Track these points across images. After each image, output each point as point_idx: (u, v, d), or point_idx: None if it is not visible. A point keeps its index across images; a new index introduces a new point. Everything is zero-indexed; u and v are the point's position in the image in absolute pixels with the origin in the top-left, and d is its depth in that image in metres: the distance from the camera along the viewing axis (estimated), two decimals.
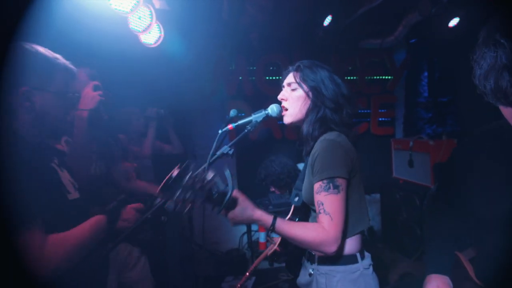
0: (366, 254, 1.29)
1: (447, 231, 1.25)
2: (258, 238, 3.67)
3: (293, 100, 1.30)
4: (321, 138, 1.22)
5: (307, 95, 1.28)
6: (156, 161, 2.73)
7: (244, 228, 3.75)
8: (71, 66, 1.18)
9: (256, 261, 1.71)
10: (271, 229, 1.11)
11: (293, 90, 1.31)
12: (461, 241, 1.28)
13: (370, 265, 1.27)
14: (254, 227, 3.58)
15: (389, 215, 3.78)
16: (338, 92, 1.25)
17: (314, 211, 1.27)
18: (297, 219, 1.31)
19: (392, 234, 3.72)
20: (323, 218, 1.12)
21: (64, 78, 1.15)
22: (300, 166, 2.50)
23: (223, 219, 1.13)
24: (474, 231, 1.18)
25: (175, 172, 0.96)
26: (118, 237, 1.11)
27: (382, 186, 3.96)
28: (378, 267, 3.30)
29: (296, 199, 1.30)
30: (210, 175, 1.01)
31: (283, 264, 1.50)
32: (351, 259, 1.22)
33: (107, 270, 1.38)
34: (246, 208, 1.10)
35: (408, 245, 3.39)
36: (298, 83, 1.29)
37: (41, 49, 1.12)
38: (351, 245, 1.22)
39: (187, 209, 0.95)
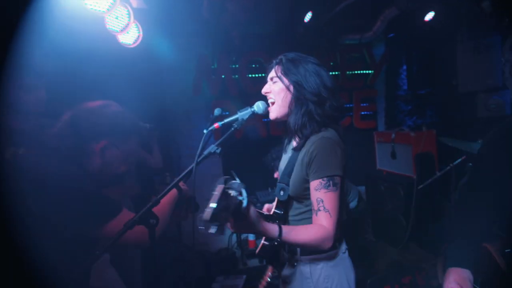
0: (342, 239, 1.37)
1: (475, 224, 1.26)
2: (247, 237, 3.68)
3: (276, 93, 1.31)
4: (319, 135, 1.23)
5: (288, 88, 1.28)
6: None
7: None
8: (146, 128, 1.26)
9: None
10: (278, 239, 1.12)
11: (274, 83, 1.32)
12: (492, 233, 1.30)
13: (346, 249, 1.36)
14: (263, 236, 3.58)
15: (374, 206, 3.87)
16: (321, 84, 1.25)
17: (299, 203, 1.31)
18: (281, 212, 1.34)
19: (378, 225, 3.81)
20: (322, 215, 1.17)
21: (135, 140, 1.29)
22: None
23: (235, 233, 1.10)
24: (507, 222, 1.20)
25: (218, 196, 0.86)
26: (105, 245, 1.08)
27: (366, 178, 4.04)
28: (366, 257, 3.37)
29: (282, 193, 1.31)
30: (239, 186, 0.96)
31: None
32: (331, 246, 1.26)
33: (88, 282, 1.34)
34: (256, 220, 1.07)
35: (394, 235, 3.48)
36: (279, 77, 1.30)
37: (128, 113, 1.31)
38: None
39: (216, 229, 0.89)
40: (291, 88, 1.28)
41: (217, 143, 1.16)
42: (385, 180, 3.68)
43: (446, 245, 2.34)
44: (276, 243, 1.20)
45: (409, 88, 4.37)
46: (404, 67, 4.42)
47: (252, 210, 1.07)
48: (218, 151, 1.14)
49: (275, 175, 2.70)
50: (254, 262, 3.46)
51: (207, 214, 0.83)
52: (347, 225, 1.35)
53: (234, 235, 3.73)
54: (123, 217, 1.18)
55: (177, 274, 3.10)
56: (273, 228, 1.12)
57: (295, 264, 1.33)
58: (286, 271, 1.39)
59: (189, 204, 1.49)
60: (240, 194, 0.96)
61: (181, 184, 1.42)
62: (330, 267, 1.28)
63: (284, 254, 1.39)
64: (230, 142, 1.24)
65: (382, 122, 4.64)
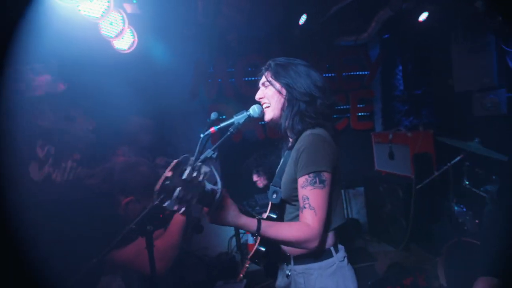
0: (340, 246, 1.31)
1: (505, 233, 1.26)
2: (247, 241, 3.66)
3: (269, 97, 1.32)
4: (307, 132, 1.22)
5: (280, 91, 1.29)
6: None
7: (232, 231, 3.72)
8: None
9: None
10: (256, 233, 1.08)
11: (266, 87, 1.33)
12: None
13: (344, 257, 1.28)
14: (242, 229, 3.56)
15: (374, 208, 3.86)
16: (311, 84, 1.26)
17: (292, 206, 1.28)
18: (275, 216, 1.31)
19: (378, 226, 3.80)
20: (307, 213, 1.12)
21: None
22: None
23: (211, 224, 1.10)
24: None
25: (171, 167, 0.87)
26: (103, 252, 1.07)
27: (365, 179, 4.04)
28: (366, 259, 3.36)
29: (274, 196, 1.29)
30: (205, 169, 0.94)
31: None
32: (326, 254, 1.23)
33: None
34: (232, 213, 1.06)
35: (394, 236, 3.47)
36: (270, 82, 1.31)
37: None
38: (326, 240, 1.24)
39: (183, 209, 0.89)
40: (283, 90, 1.29)
41: (213, 147, 1.15)
42: (384, 181, 3.68)
43: (446, 245, 2.34)
44: (255, 237, 1.17)
45: (405, 88, 4.38)
46: (400, 67, 4.44)
47: (229, 202, 1.06)
48: (214, 155, 1.14)
49: (254, 178, 2.70)
50: (254, 266, 3.43)
51: (157, 185, 0.84)
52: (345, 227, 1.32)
53: (234, 239, 3.71)
54: (138, 242, 1.26)
55: (177, 279, 3.07)
56: (251, 222, 1.08)
57: (288, 273, 1.29)
58: (281, 282, 1.37)
59: (195, 226, 1.52)
60: (215, 182, 0.98)
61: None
62: (325, 277, 1.21)
63: (278, 263, 1.37)
64: (228, 145, 1.24)
65: (379, 123, 4.64)
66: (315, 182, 1.13)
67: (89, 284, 1.27)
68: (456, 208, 2.62)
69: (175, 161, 0.87)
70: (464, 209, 2.62)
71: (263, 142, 4.09)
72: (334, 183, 1.20)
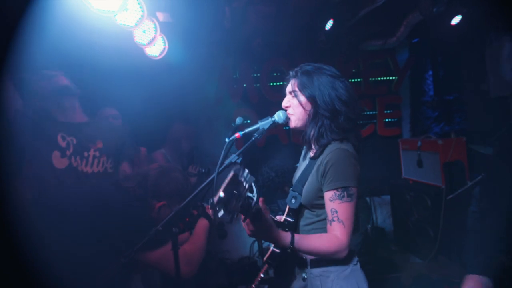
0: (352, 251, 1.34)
1: (490, 231, 1.26)
2: (269, 245, 3.65)
3: (294, 107, 1.34)
4: (335, 146, 1.24)
5: (304, 104, 1.31)
6: None
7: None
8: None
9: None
10: (291, 245, 1.14)
11: (293, 97, 1.35)
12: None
13: (357, 261, 1.34)
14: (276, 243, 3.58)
15: (400, 217, 3.74)
16: (335, 98, 1.26)
17: (311, 212, 1.31)
18: (292, 220, 1.35)
19: (404, 236, 3.67)
20: (337, 226, 1.18)
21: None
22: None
23: (233, 227, 1.12)
24: None
25: (227, 182, 0.90)
26: (131, 251, 1.12)
27: (391, 187, 3.92)
28: (392, 270, 3.25)
29: (293, 201, 1.33)
30: (252, 179, 0.97)
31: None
32: (342, 259, 1.26)
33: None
34: (270, 227, 1.11)
35: (421, 246, 3.34)
36: (295, 92, 1.33)
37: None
38: None
39: (230, 217, 0.92)
40: (307, 103, 1.31)
41: (238, 152, 1.18)
42: (411, 190, 3.55)
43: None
44: (289, 250, 1.21)
45: (435, 93, 4.22)
46: (430, 72, 4.29)
47: (266, 212, 1.11)
48: (239, 160, 1.17)
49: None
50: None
51: (215, 197, 0.87)
52: (368, 237, 1.33)
53: (256, 243, 3.72)
54: (168, 245, 1.31)
55: (198, 282, 3.12)
56: (285, 235, 1.14)
57: (305, 276, 1.32)
58: (296, 285, 1.40)
59: (218, 230, 1.58)
60: (252, 190, 0.98)
61: (209, 212, 1.58)
62: (341, 280, 1.27)
63: (295, 267, 1.39)
64: (251, 150, 1.26)
65: (407, 129, 4.50)
66: (343, 196, 1.18)
67: (121, 283, 1.33)
68: None
69: (232, 174, 0.91)
70: None
71: (286, 146, 4.09)
72: (358, 196, 1.25)
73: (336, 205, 1.18)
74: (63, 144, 1.65)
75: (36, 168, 1.58)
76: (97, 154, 1.77)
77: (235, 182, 0.91)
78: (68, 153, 1.65)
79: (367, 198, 3.96)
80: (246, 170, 0.97)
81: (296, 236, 1.15)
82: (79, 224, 1.21)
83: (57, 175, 1.62)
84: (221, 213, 0.89)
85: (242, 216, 1.07)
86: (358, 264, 1.34)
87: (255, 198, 1.01)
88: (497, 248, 1.27)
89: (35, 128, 1.60)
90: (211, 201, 0.89)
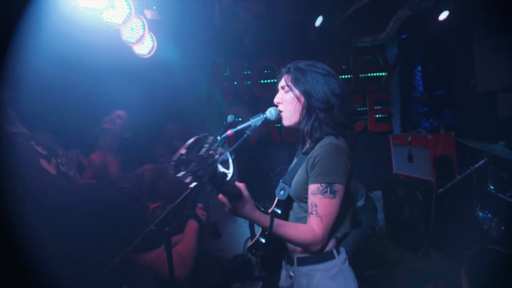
0: (341, 249, 1.33)
1: None
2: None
3: (287, 103, 1.33)
4: (326, 141, 1.23)
5: (299, 98, 1.30)
6: None
7: (248, 233, 3.73)
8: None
9: None
10: (269, 230, 1.13)
11: (286, 92, 1.34)
12: None
13: (346, 259, 1.32)
14: (257, 231, 3.58)
15: (392, 212, 3.78)
16: (329, 92, 1.26)
17: (299, 208, 1.31)
18: (279, 211, 1.35)
19: (396, 231, 3.71)
20: (314, 220, 1.16)
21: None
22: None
23: (227, 225, 1.12)
24: None
25: (190, 142, 0.86)
26: (125, 253, 1.10)
27: (383, 183, 3.95)
28: (384, 265, 3.27)
29: (282, 192, 1.32)
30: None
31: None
32: (329, 256, 1.27)
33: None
34: (249, 206, 1.11)
35: (414, 241, 3.38)
36: (289, 86, 1.32)
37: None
38: (330, 243, 1.27)
39: (194, 183, 0.89)
40: (301, 97, 1.29)
41: (230, 150, 1.17)
42: (402, 185, 3.59)
43: (469, 252, 2.25)
44: (266, 232, 1.21)
45: (425, 89, 4.27)
46: (419, 68, 4.34)
47: (248, 195, 1.10)
48: (231, 158, 1.15)
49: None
50: None
51: (175, 155, 0.84)
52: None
53: (250, 241, 3.72)
54: (161, 249, 1.30)
55: (193, 281, 3.11)
56: (265, 218, 1.13)
57: (292, 274, 1.33)
58: (284, 282, 1.40)
59: (212, 231, 1.58)
60: (227, 167, 0.98)
61: (200, 212, 1.56)
62: (328, 278, 1.25)
63: (284, 264, 1.39)
64: (243, 148, 1.25)
65: (397, 124, 4.55)
66: (326, 192, 1.17)
67: (115, 283, 1.31)
68: (480, 214, 2.52)
69: (195, 137, 0.88)
70: (489, 215, 2.51)
71: (278, 143, 4.09)
72: (346, 193, 1.22)
73: (317, 199, 1.17)
74: (42, 151, 1.60)
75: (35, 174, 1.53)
76: (64, 160, 1.73)
77: (199, 144, 0.88)
78: (53, 160, 1.61)
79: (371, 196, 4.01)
80: (213, 138, 0.94)
81: (276, 221, 1.14)
82: (78, 224, 1.20)
83: (53, 180, 1.57)
84: (181, 173, 0.87)
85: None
86: (347, 262, 1.32)
87: (229, 175, 0.99)
88: None
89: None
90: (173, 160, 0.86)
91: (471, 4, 3.17)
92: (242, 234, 3.79)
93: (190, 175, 0.85)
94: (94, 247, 1.19)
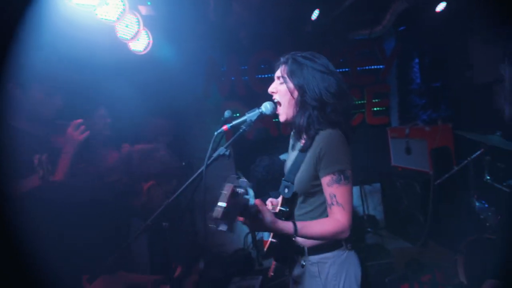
0: None
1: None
2: (262, 237, 3.68)
3: (281, 94, 1.33)
4: (326, 133, 1.24)
5: (292, 91, 1.30)
6: None
7: (247, 228, 3.75)
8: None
9: None
10: (295, 235, 1.15)
11: (281, 83, 1.33)
12: None
13: (351, 246, 1.37)
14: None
15: (390, 204, 3.80)
16: (324, 90, 1.25)
17: (304, 202, 1.33)
18: (286, 209, 1.37)
19: (395, 222, 3.74)
20: (336, 209, 1.20)
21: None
22: (284, 156, 2.57)
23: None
24: None
25: (228, 193, 0.90)
26: (119, 250, 1.11)
27: (381, 175, 3.97)
28: (383, 256, 3.30)
29: (286, 190, 1.34)
30: (248, 185, 0.99)
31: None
32: (337, 244, 1.31)
33: None
34: (270, 219, 1.12)
35: (412, 232, 3.41)
36: (284, 78, 1.31)
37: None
38: None
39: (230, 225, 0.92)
40: (295, 92, 1.29)
41: (226, 145, 1.17)
42: (401, 177, 3.61)
43: (465, 242, 2.28)
44: (294, 239, 1.24)
45: (422, 81, 4.27)
46: (416, 60, 4.32)
47: (265, 209, 1.10)
48: (227, 153, 1.16)
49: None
50: (269, 263, 3.45)
51: (218, 212, 0.86)
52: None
53: (250, 235, 3.74)
54: None
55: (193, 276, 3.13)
56: (288, 226, 1.15)
57: (303, 263, 1.35)
58: (296, 271, 1.42)
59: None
60: (247, 192, 0.98)
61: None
62: (337, 265, 1.30)
63: (293, 255, 1.40)
64: (242, 143, 1.25)
65: (395, 117, 4.55)
66: (340, 180, 1.20)
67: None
68: (477, 204, 2.54)
69: (231, 187, 0.90)
70: (486, 205, 2.53)
71: (276, 138, 4.09)
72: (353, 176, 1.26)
73: (334, 189, 1.20)
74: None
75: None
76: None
77: (234, 194, 0.92)
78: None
79: (358, 187, 4.01)
80: (242, 179, 0.98)
81: (298, 224, 1.16)
82: (73, 219, 1.21)
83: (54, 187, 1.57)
84: (222, 226, 0.89)
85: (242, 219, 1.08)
86: (352, 248, 1.38)
87: (250, 199, 1.01)
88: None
89: None
90: (211, 215, 0.88)
91: None
92: (241, 229, 3.81)
93: (230, 224, 0.90)
94: (88, 237, 1.20)
